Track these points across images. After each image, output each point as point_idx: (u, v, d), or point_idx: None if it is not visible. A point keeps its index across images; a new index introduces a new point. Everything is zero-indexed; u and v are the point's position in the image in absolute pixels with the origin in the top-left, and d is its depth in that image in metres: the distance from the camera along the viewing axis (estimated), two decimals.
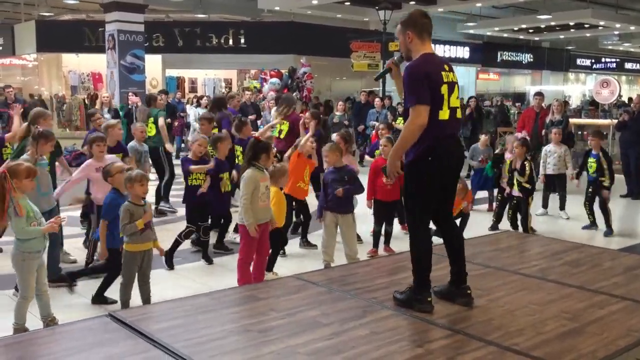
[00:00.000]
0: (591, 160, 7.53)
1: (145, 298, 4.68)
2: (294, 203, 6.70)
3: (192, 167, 6.10)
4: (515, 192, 7.14)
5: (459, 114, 3.64)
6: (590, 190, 7.59)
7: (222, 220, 6.55)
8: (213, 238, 6.69)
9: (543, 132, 9.89)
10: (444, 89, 3.50)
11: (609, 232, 7.42)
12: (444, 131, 3.52)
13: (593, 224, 7.68)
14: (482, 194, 9.06)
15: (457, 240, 3.79)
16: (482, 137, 9.21)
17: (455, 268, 3.75)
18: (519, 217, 7.19)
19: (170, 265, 5.88)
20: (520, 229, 7.12)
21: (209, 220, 6.32)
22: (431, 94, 3.45)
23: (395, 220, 6.78)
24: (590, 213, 7.65)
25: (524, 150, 7.16)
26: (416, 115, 3.46)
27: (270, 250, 5.43)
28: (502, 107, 18.78)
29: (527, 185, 7.06)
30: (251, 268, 5.08)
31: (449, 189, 3.76)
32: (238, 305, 3.97)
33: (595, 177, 7.47)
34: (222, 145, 6.44)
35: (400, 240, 6.53)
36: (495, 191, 8.08)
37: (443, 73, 3.52)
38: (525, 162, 7.08)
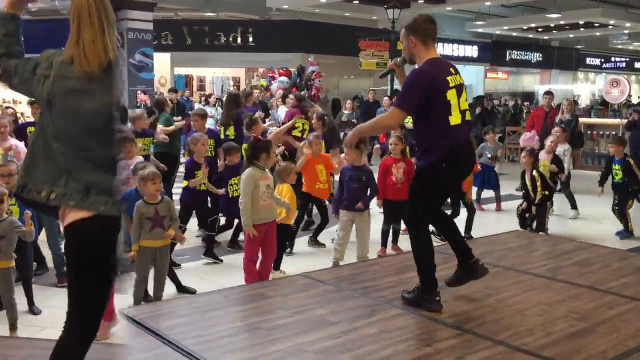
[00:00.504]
0: (616, 167, 7.41)
1: (158, 296, 4.69)
2: (310, 203, 6.74)
3: (191, 182, 6.14)
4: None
5: (468, 116, 3.64)
6: (617, 196, 7.44)
7: (237, 221, 6.63)
8: (221, 238, 6.74)
9: (554, 130, 9.84)
10: (451, 94, 3.48)
11: (626, 234, 7.35)
12: (458, 136, 3.52)
13: (628, 230, 7.42)
14: (489, 193, 9.03)
15: (446, 220, 3.83)
16: (489, 136, 9.18)
17: (457, 247, 3.74)
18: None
19: (173, 264, 5.90)
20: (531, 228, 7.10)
21: (219, 221, 6.40)
22: (438, 104, 3.45)
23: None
24: (622, 218, 7.48)
25: (532, 160, 7.11)
26: (391, 116, 3.52)
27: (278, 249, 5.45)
28: (516, 106, 18.77)
29: (545, 193, 7.02)
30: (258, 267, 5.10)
31: (450, 189, 3.83)
32: (247, 303, 3.98)
33: (623, 184, 7.35)
34: (231, 157, 6.54)
35: (409, 240, 6.51)
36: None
37: (449, 78, 3.51)
38: (534, 174, 7.04)
